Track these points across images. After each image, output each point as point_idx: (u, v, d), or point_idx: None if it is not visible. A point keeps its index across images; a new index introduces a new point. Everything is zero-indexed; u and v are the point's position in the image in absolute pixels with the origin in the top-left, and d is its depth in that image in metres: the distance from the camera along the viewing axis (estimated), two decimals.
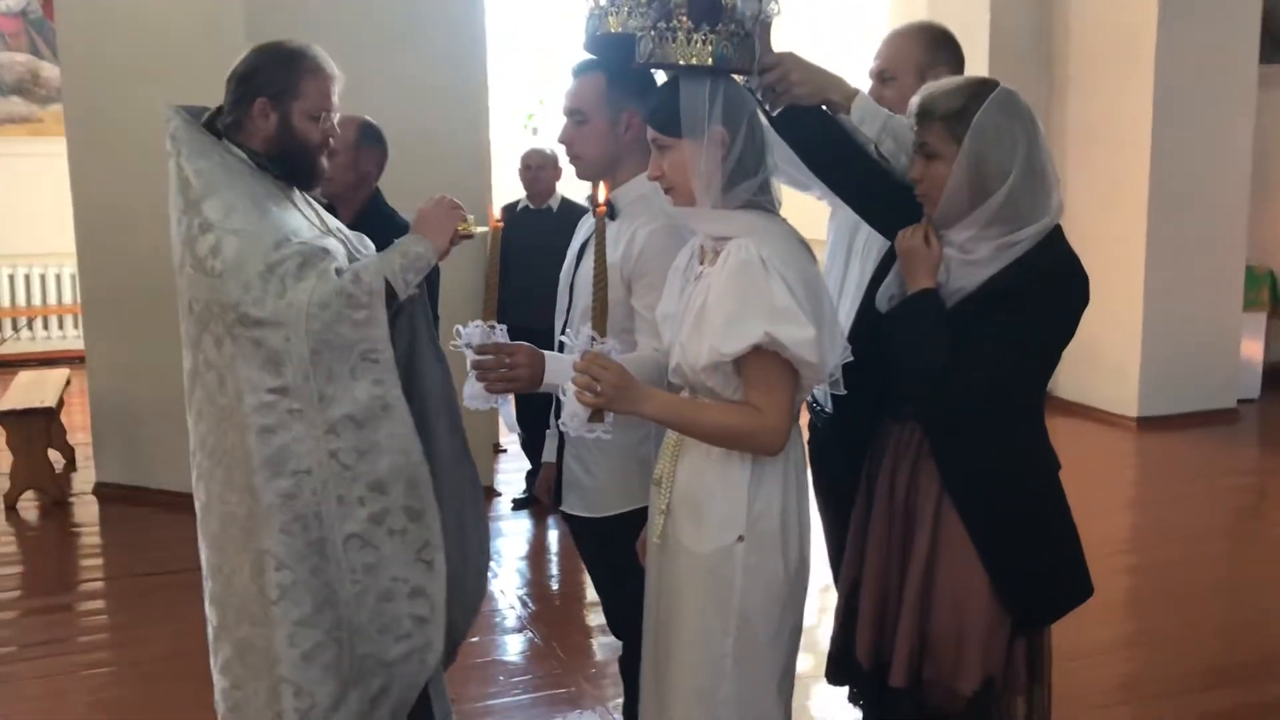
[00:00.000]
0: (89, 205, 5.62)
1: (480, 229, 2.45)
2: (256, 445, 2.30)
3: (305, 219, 2.43)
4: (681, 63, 2.02)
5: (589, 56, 2.40)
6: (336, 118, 2.46)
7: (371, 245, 2.60)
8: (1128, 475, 6.37)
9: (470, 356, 2.20)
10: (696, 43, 2.01)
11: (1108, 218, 6.94)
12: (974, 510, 2.12)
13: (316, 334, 2.27)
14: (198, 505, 2.46)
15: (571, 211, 5.07)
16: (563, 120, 2.47)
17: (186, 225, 2.31)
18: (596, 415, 2.00)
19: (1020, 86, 2.15)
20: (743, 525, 2.06)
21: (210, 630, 2.49)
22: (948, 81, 2.13)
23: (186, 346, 2.40)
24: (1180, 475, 6.24)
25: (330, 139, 2.45)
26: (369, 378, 2.33)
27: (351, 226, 2.65)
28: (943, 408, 2.12)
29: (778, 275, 1.98)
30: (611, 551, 2.48)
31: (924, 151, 2.10)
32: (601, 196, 2.12)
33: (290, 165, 2.42)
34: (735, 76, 2.11)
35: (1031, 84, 7.23)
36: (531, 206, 5.54)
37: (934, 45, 2.71)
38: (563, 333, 2.50)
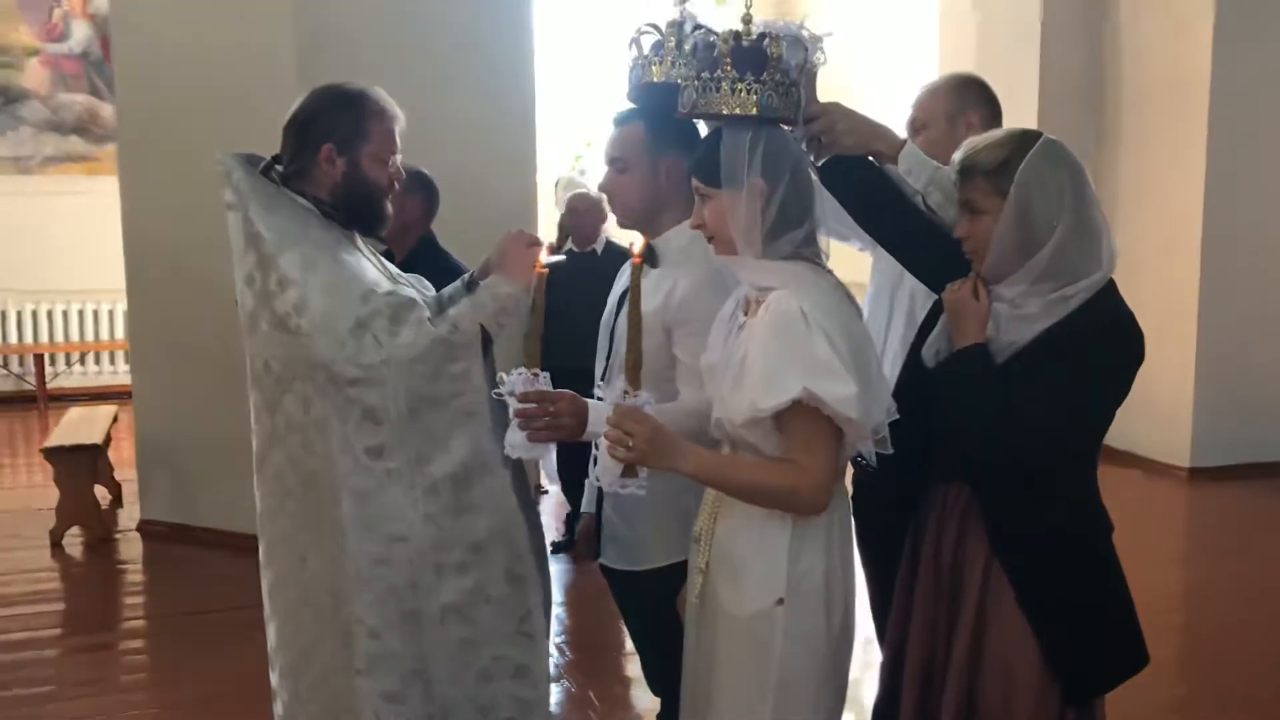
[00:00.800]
0: (139, 242, 5.69)
1: (555, 258, 2.41)
2: (352, 509, 2.21)
3: (374, 267, 2.38)
4: (725, 113, 2.01)
5: (631, 105, 2.40)
6: (400, 159, 2.40)
7: (431, 287, 2.55)
8: (1179, 528, 6.23)
9: (513, 404, 2.16)
10: (741, 92, 1.99)
11: (1160, 263, 6.83)
12: (1023, 574, 2.06)
13: (415, 389, 2.20)
14: (268, 576, 2.38)
15: (617, 255, 5.05)
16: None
17: (261, 282, 2.22)
18: (630, 471, 1.97)
19: (1070, 135, 2.11)
20: (783, 588, 2.01)
21: (279, 707, 2.41)
22: (989, 135, 2.09)
23: (261, 409, 2.30)
24: (1234, 529, 6.07)
25: (396, 182, 2.39)
26: (468, 433, 2.25)
27: (401, 268, 2.64)
28: (991, 467, 2.06)
29: (819, 328, 1.95)
30: (650, 606, 2.44)
31: (969, 208, 2.06)
32: (636, 247, 2.10)
33: (358, 211, 2.35)
34: (782, 126, 2.09)
35: (1082, 133, 7.15)
36: (576, 250, 5.54)
37: (961, 90, 2.72)
38: (602, 379, 2.48)
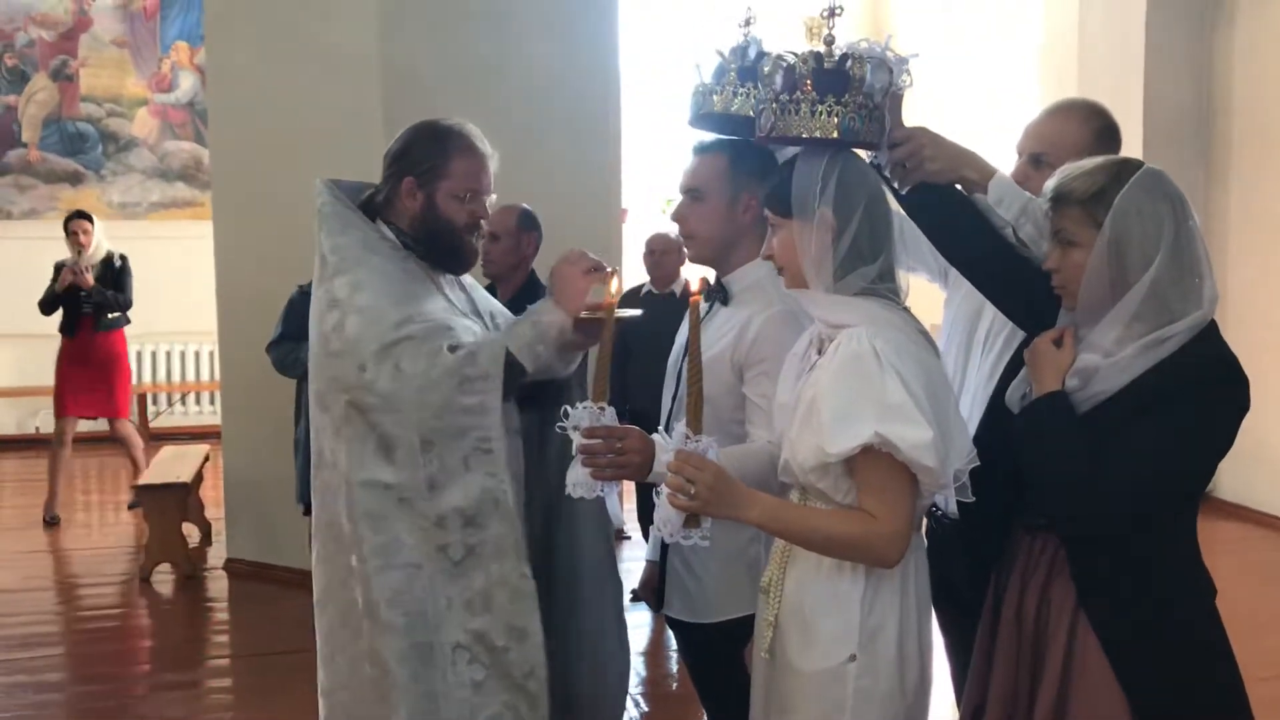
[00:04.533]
0: (230, 285, 5.79)
1: (631, 312, 2.31)
2: (368, 533, 2.21)
3: (449, 301, 2.35)
4: (805, 135, 1.90)
5: (709, 136, 2.33)
6: (492, 199, 2.37)
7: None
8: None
9: (577, 440, 1.96)
10: (821, 114, 1.89)
11: (1272, 304, 6.47)
12: (1114, 634, 1.90)
13: (427, 421, 2.17)
14: (316, 590, 2.38)
15: None
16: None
17: (318, 302, 2.27)
18: (692, 520, 1.84)
19: (1177, 170, 1.97)
20: (855, 643, 1.89)
21: None
22: (1086, 162, 1.95)
23: (313, 431, 2.34)
24: None
25: (480, 220, 2.35)
26: (482, 469, 2.21)
27: (508, 304, 2.64)
28: (1082, 520, 1.91)
29: (892, 369, 1.83)
30: (716, 661, 2.33)
31: (1060, 238, 1.93)
32: (695, 285, 2.01)
33: (434, 246, 2.33)
34: (862, 153, 1.99)
35: (1190, 167, 6.87)
36: (655, 291, 5.48)
37: (1102, 136, 2.43)
38: (666, 424, 2.39)
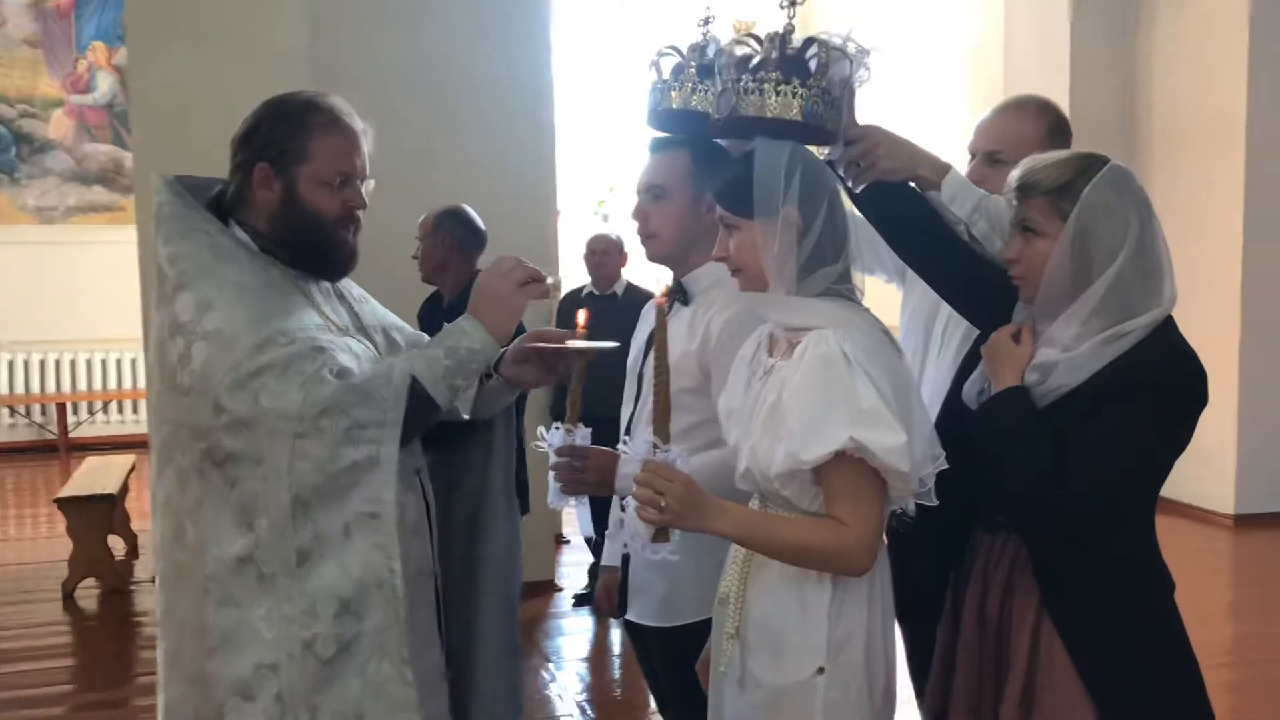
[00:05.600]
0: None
1: (600, 345, 2.00)
2: (214, 621, 1.74)
3: (324, 317, 1.92)
4: (768, 116, 1.83)
5: (660, 134, 2.28)
6: (369, 185, 1.96)
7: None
8: (1224, 579, 6.01)
9: (551, 458, 2.05)
10: (786, 94, 1.83)
11: (1198, 305, 6.53)
12: (1078, 634, 1.89)
13: (301, 474, 1.71)
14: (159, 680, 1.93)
15: (637, 298, 4.95)
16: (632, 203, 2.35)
17: (158, 327, 1.81)
18: (661, 534, 1.77)
19: None
20: (823, 655, 1.85)
21: None
22: (1053, 155, 1.95)
23: (150, 478, 1.90)
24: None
25: (356, 211, 1.93)
26: (368, 540, 1.76)
27: (451, 306, 2.34)
28: (1043, 519, 1.89)
29: (863, 372, 1.78)
30: (683, 666, 2.28)
31: (1024, 228, 1.91)
32: (659, 290, 1.91)
33: (300, 247, 1.90)
34: (815, 149, 1.95)
35: None
36: (596, 292, 5.43)
37: (1054, 132, 2.47)
38: (627, 428, 2.34)
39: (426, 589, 1.87)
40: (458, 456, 1.99)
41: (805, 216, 1.86)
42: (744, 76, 1.85)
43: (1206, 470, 6.66)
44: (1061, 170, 1.88)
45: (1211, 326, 6.59)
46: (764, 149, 1.88)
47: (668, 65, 2.10)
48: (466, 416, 1.85)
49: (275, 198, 1.89)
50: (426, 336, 2.10)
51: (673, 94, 2.09)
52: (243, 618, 1.75)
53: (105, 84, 9.57)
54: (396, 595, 1.77)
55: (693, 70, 2.02)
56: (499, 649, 1.98)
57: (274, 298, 1.84)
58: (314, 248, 1.92)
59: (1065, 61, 7.15)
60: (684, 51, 2.06)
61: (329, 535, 1.75)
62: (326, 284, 2.00)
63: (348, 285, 2.07)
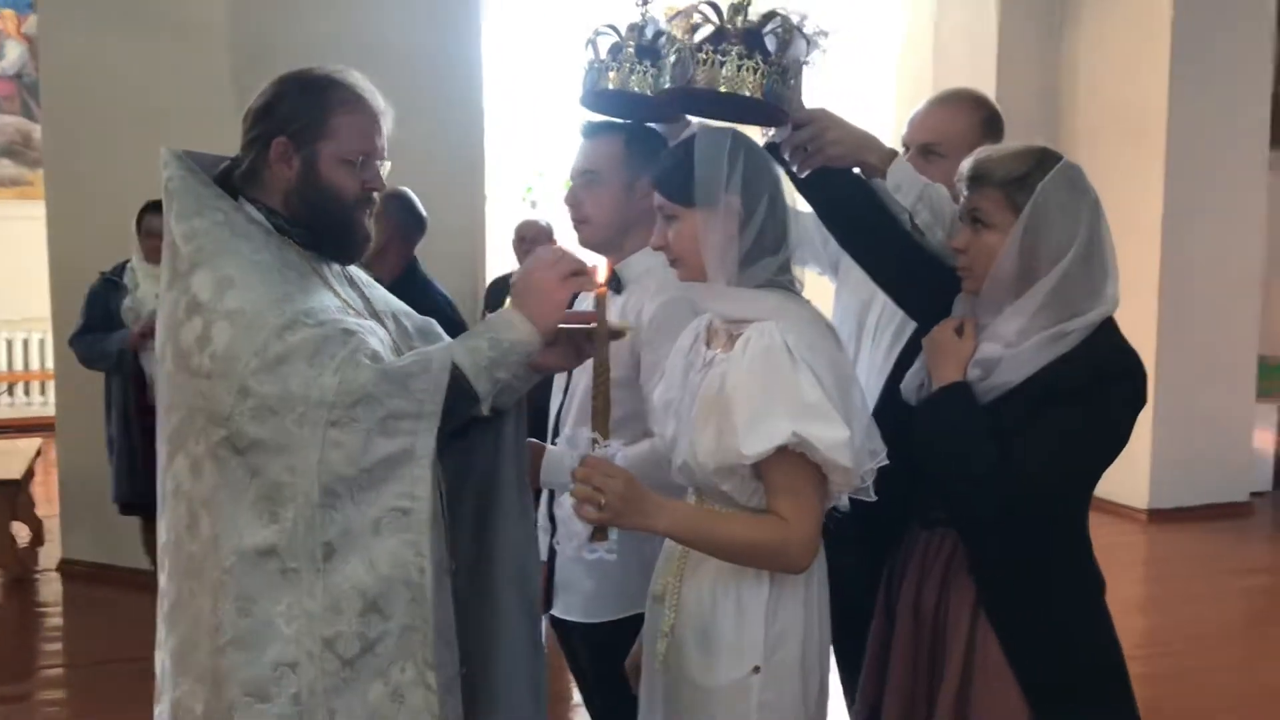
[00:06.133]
0: (65, 269, 5.42)
1: (628, 325, 1.94)
2: (230, 617, 1.66)
3: (340, 299, 1.84)
4: (724, 90, 1.77)
5: (595, 118, 2.23)
6: (386, 168, 1.90)
7: (443, 336, 1.99)
8: (1137, 572, 6.13)
9: None
10: (748, 70, 1.77)
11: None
12: (1015, 632, 1.89)
13: (331, 465, 1.63)
14: (157, 682, 1.85)
15: None
16: (560, 189, 2.29)
17: (170, 305, 1.73)
18: (599, 532, 1.70)
19: None
20: (760, 654, 1.81)
21: None
22: (1007, 146, 1.93)
23: (160, 468, 1.79)
24: (1192, 572, 6.00)
25: (374, 193, 1.87)
26: (397, 536, 1.67)
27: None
28: (982, 516, 1.88)
29: (805, 365, 1.75)
30: (611, 662, 2.22)
31: (975, 218, 1.89)
32: (601, 276, 1.78)
33: (318, 227, 1.83)
34: (757, 131, 1.90)
35: None
36: None
37: (988, 125, 2.46)
38: (557, 420, 2.28)
39: (445, 585, 1.79)
40: (465, 449, 1.87)
41: (747, 206, 1.81)
42: (705, 46, 1.78)
43: (1122, 465, 6.71)
44: (1016, 163, 1.86)
45: (1130, 323, 6.60)
46: (705, 135, 1.83)
47: (605, 45, 2.04)
48: (485, 412, 1.76)
49: (293, 174, 1.81)
50: (435, 323, 2.03)
51: (610, 74, 2.03)
52: (261, 613, 1.66)
53: (14, 53, 9.22)
54: (424, 596, 1.68)
55: (631, 50, 1.97)
56: (520, 647, 1.87)
57: (293, 278, 1.76)
58: (331, 228, 1.84)
59: (992, 57, 7.20)
60: (622, 31, 2.00)
61: (358, 530, 1.66)
62: (337, 267, 1.92)
63: (355, 269, 2.00)
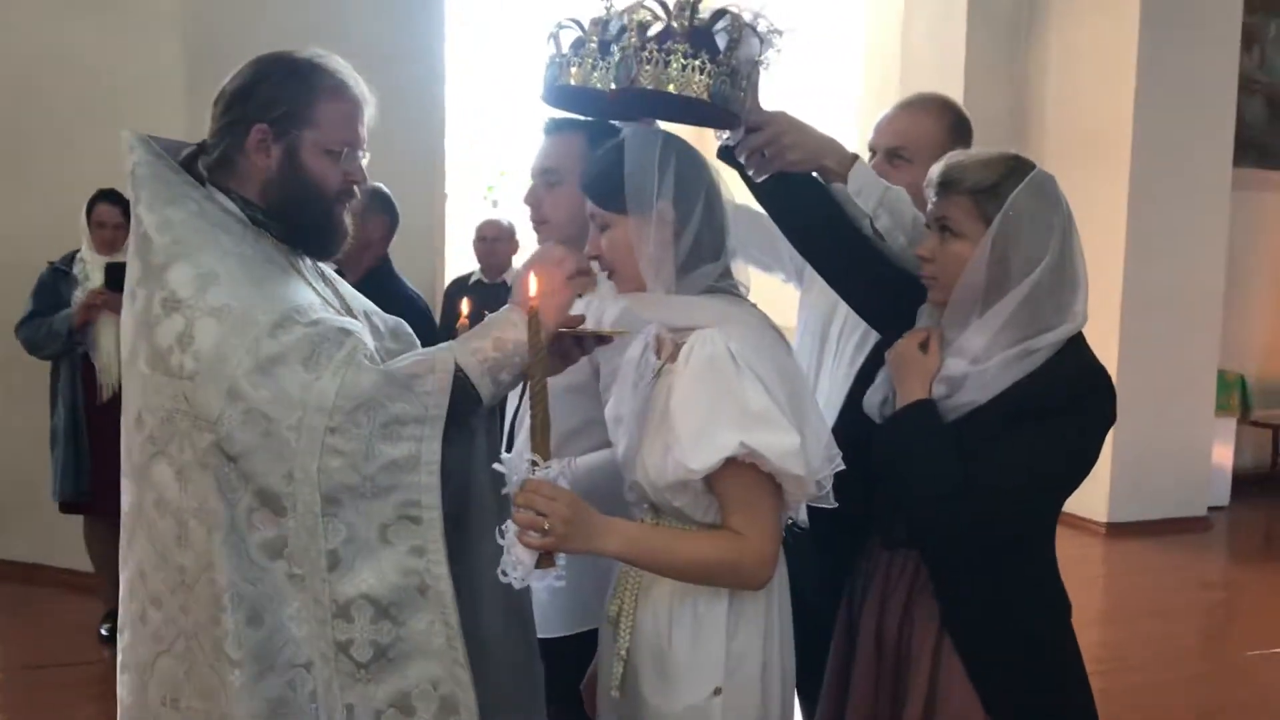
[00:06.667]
0: (6, 259, 5.24)
1: (621, 331, 1.86)
2: (237, 630, 1.56)
3: (319, 296, 1.75)
4: (673, 91, 1.69)
5: (557, 114, 2.13)
6: (366, 159, 1.80)
7: (413, 336, 1.93)
8: (1097, 586, 6.13)
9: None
10: (694, 71, 1.68)
11: None
12: (980, 655, 1.82)
13: (333, 472, 1.55)
14: (121, 710, 1.75)
15: None
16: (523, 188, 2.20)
17: (144, 302, 1.62)
18: (545, 558, 1.58)
19: None
20: (720, 675, 1.73)
21: None
22: (978, 153, 1.85)
23: (128, 475, 1.68)
24: (1151, 586, 6.01)
25: (355, 185, 1.78)
26: (405, 544, 1.59)
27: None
28: (947, 538, 1.81)
29: (750, 372, 1.67)
30: (567, 680, 2.13)
31: (943, 226, 1.81)
32: (534, 289, 1.60)
33: (297, 220, 1.73)
34: (713, 135, 1.82)
35: None
36: (485, 280, 5.28)
37: (956, 130, 2.40)
38: (513, 420, 2.18)
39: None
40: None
41: (682, 212, 1.73)
42: (648, 44, 1.70)
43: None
44: (988, 171, 1.79)
45: (1092, 337, 6.69)
46: (634, 139, 1.75)
47: (567, 39, 1.95)
48: (487, 407, 1.69)
49: (272, 163, 1.71)
50: (405, 323, 1.95)
51: (571, 70, 1.93)
52: (271, 620, 1.58)
53: None
54: (445, 603, 1.60)
55: (594, 45, 1.87)
56: (507, 658, 1.77)
57: (275, 273, 1.67)
58: (310, 221, 1.74)
59: (960, 67, 7.19)
60: (585, 25, 1.91)
61: (363, 539, 1.58)
62: (310, 262, 1.82)
63: (323, 265, 1.90)
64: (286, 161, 1.70)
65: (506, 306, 1.73)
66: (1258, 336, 8.06)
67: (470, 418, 1.68)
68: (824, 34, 8.56)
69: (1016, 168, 1.79)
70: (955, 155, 1.85)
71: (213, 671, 1.59)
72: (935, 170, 1.84)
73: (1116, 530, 6.78)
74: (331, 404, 1.54)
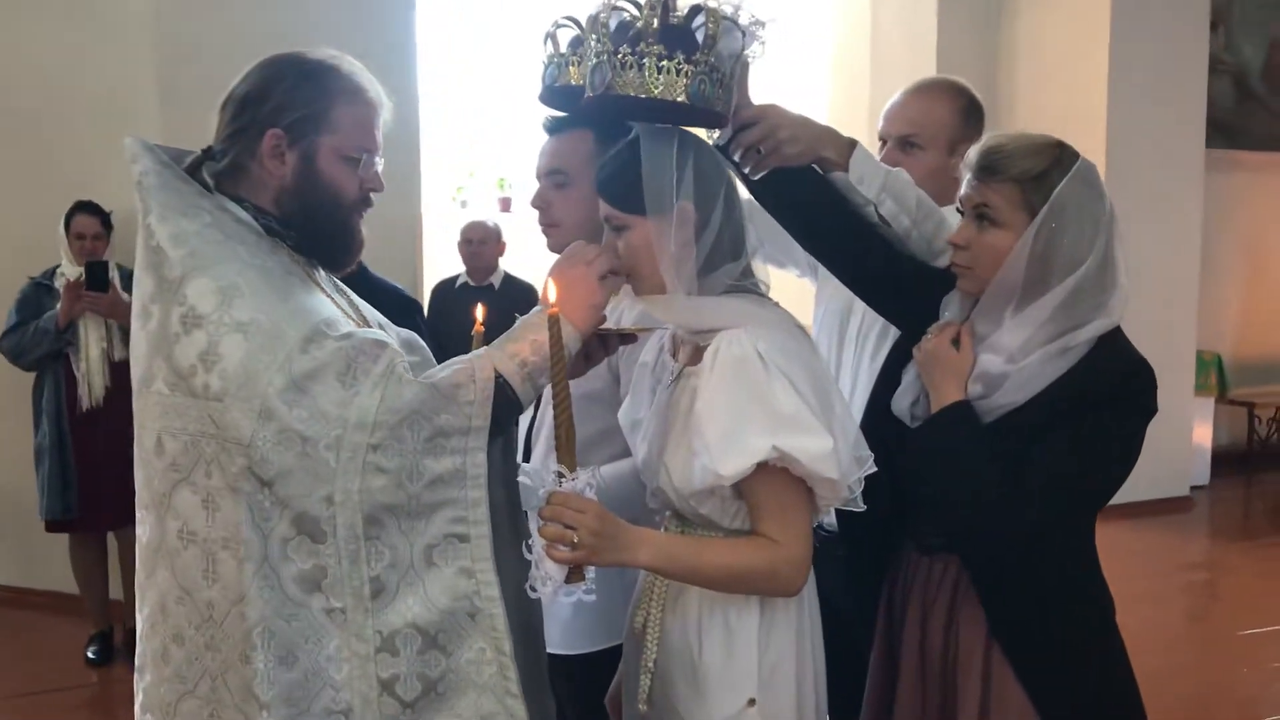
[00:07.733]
0: None
1: (652, 329, 1.82)
2: (268, 670, 1.47)
3: (339, 308, 1.67)
4: (648, 95, 1.61)
5: (555, 114, 2.07)
6: (381, 165, 1.72)
7: (426, 348, 1.83)
8: None
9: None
10: (669, 72, 1.60)
11: None
12: (1031, 660, 1.76)
13: (374, 492, 1.47)
14: None
15: (515, 289, 4.74)
16: (532, 188, 2.13)
17: (160, 319, 1.53)
18: (574, 573, 1.52)
19: None
20: (754, 686, 1.68)
21: None
22: (1021, 137, 1.76)
23: (146, 505, 1.59)
24: (1135, 569, 6.00)
25: (372, 194, 1.71)
26: (453, 565, 1.52)
27: None
28: (995, 545, 1.75)
29: (780, 374, 1.62)
30: (591, 696, 2.08)
31: (982, 214, 1.73)
32: (553, 295, 1.56)
33: (315, 230, 1.65)
34: (704, 133, 1.76)
35: None
36: (472, 283, 5.20)
37: (971, 117, 2.35)
38: (529, 431, 2.13)
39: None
40: None
41: (702, 211, 1.67)
42: (621, 48, 1.62)
43: None
44: (1035, 159, 1.71)
45: None
46: (650, 137, 1.69)
47: (565, 38, 1.89)
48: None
49: (287, 171, 1.62)
50: (416, 336, 1.86)
51: (571, 69, 1.88)
52: (308, 661, 1.49)
53: None
54: (496, 628, 1.53)
55: (593, 43, 1.82)
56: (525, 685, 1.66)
57: (296, 285, 1.58)
58: (327, 231, 1.66)
59: (932, 49, 7.18)
60: (583, 24, 1.85)
61: (408, 562, 1.50)
62: (323, 273, 1.73)
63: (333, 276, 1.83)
64: (302, 169, 1.63)
65: (538, 308, 1.66)
66: (1232, 316, 8.12)
67: (509, 425, 1.61)
68: (792, 12, 8.52)
69: (1063, 156, 1.71)
70: (997, 138, 1.77)
71: (239, 713, 1.50)
72: (974, 153, 1.76)
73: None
74: (373, 419, 1.47)
